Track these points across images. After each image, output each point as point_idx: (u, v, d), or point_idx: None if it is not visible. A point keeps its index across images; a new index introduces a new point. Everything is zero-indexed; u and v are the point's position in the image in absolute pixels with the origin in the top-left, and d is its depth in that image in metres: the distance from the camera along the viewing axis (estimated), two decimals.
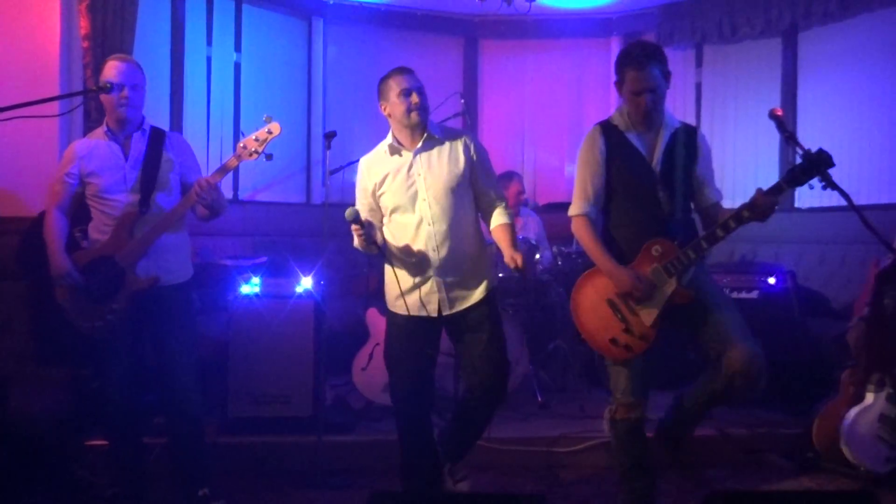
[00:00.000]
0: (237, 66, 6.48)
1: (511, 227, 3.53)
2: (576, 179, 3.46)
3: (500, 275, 5.16)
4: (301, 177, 6.88)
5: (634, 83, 3.26)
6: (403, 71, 3.47)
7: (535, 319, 5.58)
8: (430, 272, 3.46)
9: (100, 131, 3.57)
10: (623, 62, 3.30)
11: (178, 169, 3.58)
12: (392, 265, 3.50)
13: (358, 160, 5.52)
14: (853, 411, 4.02)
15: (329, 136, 4.54)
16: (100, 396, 3.58)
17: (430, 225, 3.43)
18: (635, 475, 3.40)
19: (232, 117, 6.39)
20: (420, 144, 3.48)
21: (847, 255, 5.63)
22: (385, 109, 3.50)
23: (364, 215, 3.46)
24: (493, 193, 3.57)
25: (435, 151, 3.48)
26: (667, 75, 3.30)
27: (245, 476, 4.12)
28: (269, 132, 3.47)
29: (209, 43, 6.26)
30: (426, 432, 3.64)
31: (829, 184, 3.02)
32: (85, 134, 4.72)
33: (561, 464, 4.31)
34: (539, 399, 5.06)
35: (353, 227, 3.30)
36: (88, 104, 4.99)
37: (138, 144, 3.52)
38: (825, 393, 4.30)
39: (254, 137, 3.48)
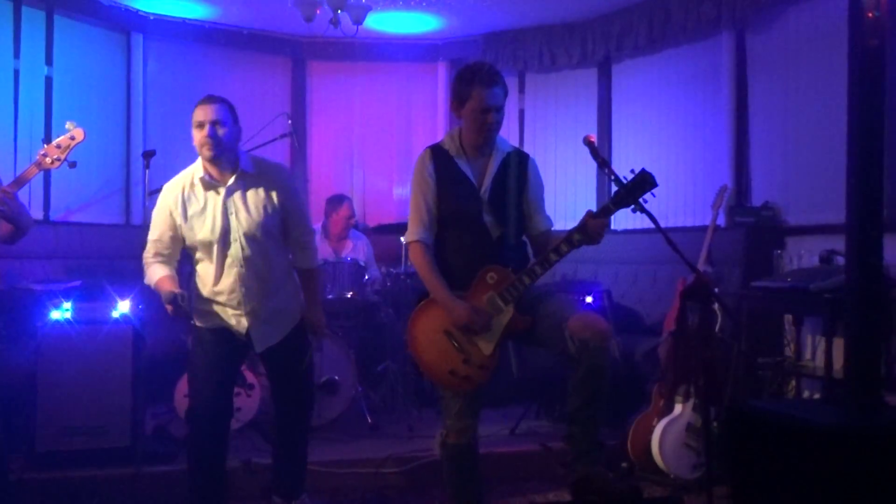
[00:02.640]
0: (48, 81, 6.11)
1: (317, 276, 3.69)
2: (410, 205, 3.38)
3: (330, 296, 5.13)
4: (119, 197, 6.56)
5: (481, 101, 3.17)
6: (206, 100, 3.33)
7: (364, 340, 5.58)
8: (240, 311, 3.43)
9: None
10: (470, 80, 3.20)
11: None
12: (200, 305, 3.48)
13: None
14: (663, 422, 4.26)
15: (148, 155, 4.40)
16: None
17: (241, 266, 3.39)
18: (465, 494, 3.39)
19: (42, 134, 6.01)
20: (232, 182, 3.37)
21: (658, 274, 5.96)
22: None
23: (165, 245, 3.42)
24: (302, 230, 3.56)
25: (250, 192, 3.39)
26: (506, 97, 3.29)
27: None
28: (72, 138, 3.34)
29: (17, 55, 5.88)
30: (220, 456, 3.54)
31: (639, 208, 3.07)
32: None
33: (390, 484, 4.32)
34: (368, 420, 5.06)
35: (169, 307, 3.23)
36: None
37: None
38: (638, 405, 4.53)
39: (55, 144, 3.32)
